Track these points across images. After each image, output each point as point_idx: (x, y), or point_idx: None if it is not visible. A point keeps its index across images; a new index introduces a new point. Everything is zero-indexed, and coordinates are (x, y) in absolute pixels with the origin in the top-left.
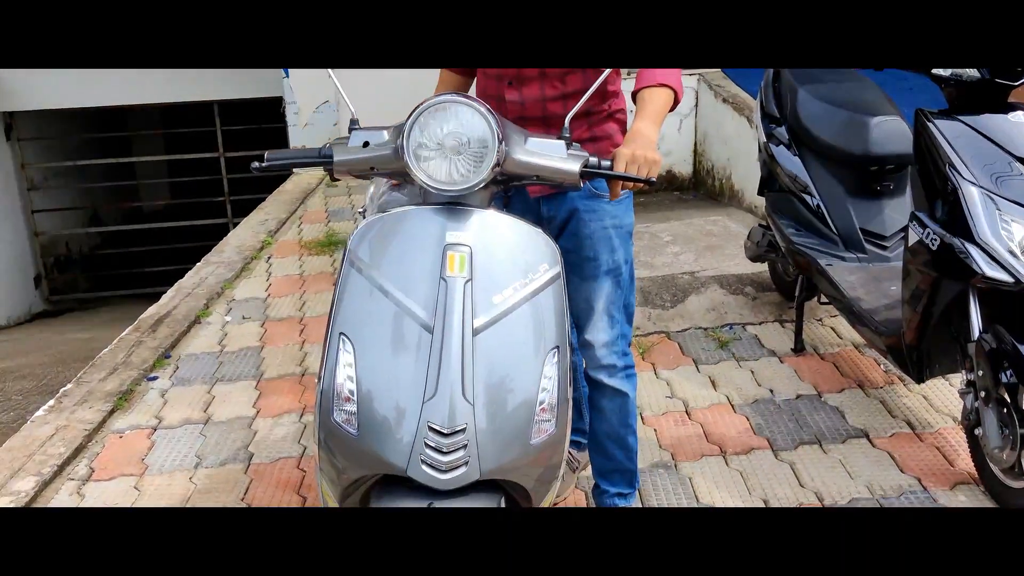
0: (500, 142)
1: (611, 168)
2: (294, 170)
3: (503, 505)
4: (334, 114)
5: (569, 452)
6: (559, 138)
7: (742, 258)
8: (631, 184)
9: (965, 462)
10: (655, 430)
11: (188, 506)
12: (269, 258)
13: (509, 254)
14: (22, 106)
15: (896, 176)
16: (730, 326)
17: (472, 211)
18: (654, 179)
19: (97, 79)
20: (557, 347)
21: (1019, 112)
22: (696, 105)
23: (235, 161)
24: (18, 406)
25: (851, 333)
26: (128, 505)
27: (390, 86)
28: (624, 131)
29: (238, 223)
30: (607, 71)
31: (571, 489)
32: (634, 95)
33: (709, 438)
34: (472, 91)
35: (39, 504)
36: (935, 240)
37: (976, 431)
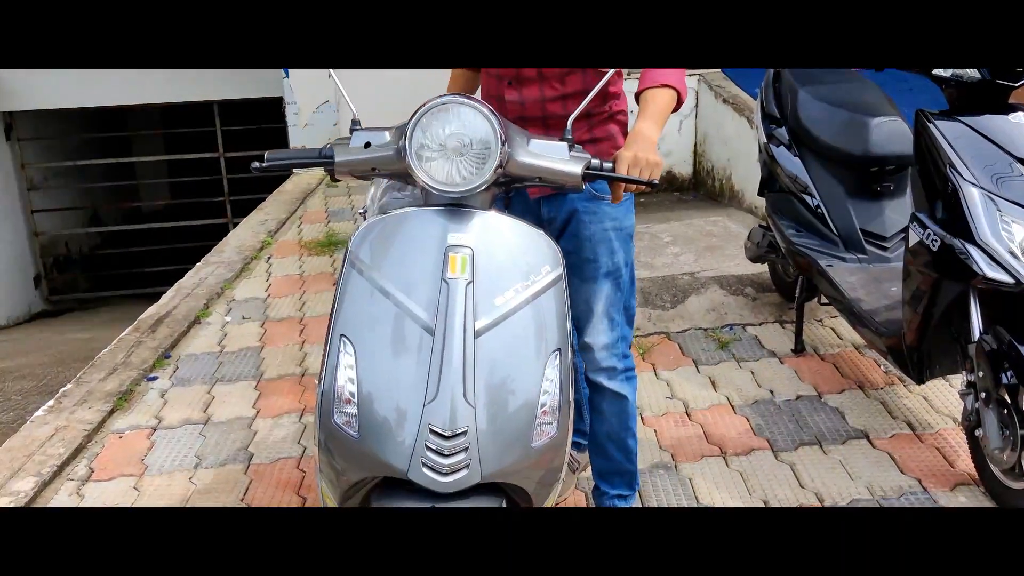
0: (503, 143)
1: (613, 170)
2: (294, 170)
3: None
4: (334, 114)
5: (569, 453)
6: (561, 140)
7: (742, 259)
8: (633, 186)
9: (965, 463)
10: (655, 431)
11: (188, 506)
12: (269, 258)
13: (511, 256)
14: (22, 106)
15: (896, 177)
16: (730, 327)
17: (474, 213)
18: (656, 181)
19: (97, 79)
20: (559, 349)
21: (1020, 113)
22: (696, 106)
23: (235, 161)
24: (18, 406)
25: (851, 334)
26: (128, 505)
27: (391, 86)
28: (625, 132)
29: (238, 223)
30: (610, 72)
31: (571, 490)
32: (637, 96)
33: (709, 439)
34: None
35: (38, 504)
36: (935, 241)
37: (976, 432)
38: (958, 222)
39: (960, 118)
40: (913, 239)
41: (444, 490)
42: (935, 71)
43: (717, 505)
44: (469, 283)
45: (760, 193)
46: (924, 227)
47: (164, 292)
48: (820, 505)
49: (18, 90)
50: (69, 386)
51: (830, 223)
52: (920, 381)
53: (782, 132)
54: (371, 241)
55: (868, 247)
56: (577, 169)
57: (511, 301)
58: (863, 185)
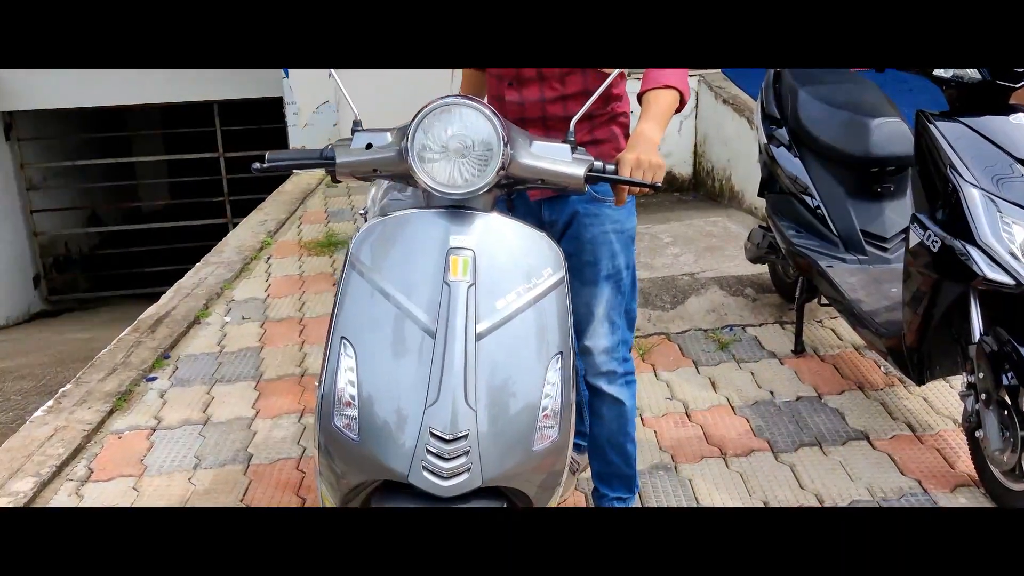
0: (505, 145)
1: (615, 172)
2: (294, 171)
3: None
4: (334, 114)
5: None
6: (564, 141)
7: (742, 259)
8: (636, 189)
9: (965, 464)
10: (655, 432)
11: (187, 507)
12: (269, 258)
13: (512, 258)
14: (22, 106)
15: (897, 178)
16: (730, 327)
17: (476, 215)
18: (659, 183)
19: (97, 79)
20: (561, 353)
21: (1020, 114)
22: (696, 106)
23: (235, 161)
24: (17, 406)
25: (851, 335)
26: (127, 506)
27: (391, 87)
28: (627, 134)
29: (238, 223)
30: (614, 73)
31: (571, 491)
32: (639, 97)
33: (709, 440)
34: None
35: (38, 504)
36: (936, 242)
37: (977, 433)
38: (958, 223)
39: (960, 119)
40: (913, 240)
41: (445, 494)
42: (935, 72)
43: (717, 506)
44: (471, 285)
45: (760, 194)
46: (924, 228)
47: (164, 292)
48: (820, 506)
49: (18, 90)
50: (68, 386)
51: (830, 224)
52: (920, 382)
53: (782, 133)
54: (372, 243)
55: (868, 248)
56: (580, 171)
57: (513, 304)
58: (863, 186)
